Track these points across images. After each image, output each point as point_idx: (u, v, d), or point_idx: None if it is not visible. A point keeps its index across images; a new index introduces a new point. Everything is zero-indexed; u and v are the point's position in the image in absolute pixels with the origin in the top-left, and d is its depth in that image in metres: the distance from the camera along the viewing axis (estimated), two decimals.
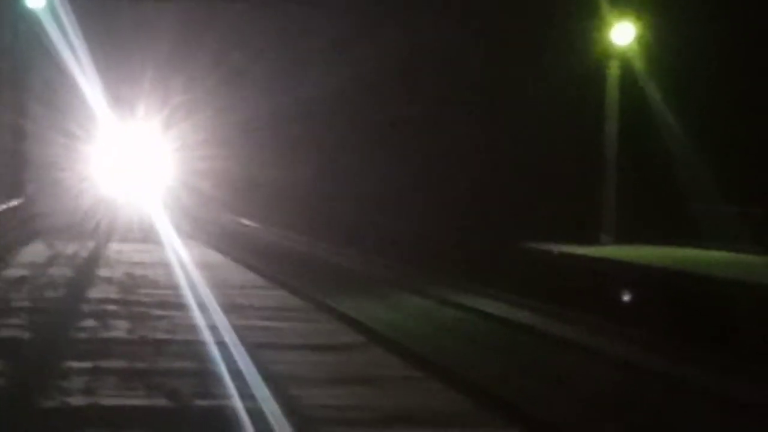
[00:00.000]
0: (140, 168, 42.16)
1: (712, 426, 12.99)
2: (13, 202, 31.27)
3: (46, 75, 37.20)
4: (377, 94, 38.71)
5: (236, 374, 13.32)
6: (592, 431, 12.40)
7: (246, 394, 12.17)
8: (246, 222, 42.72)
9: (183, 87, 40.75)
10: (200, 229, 36.81)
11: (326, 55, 39.65)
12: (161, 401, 11.87)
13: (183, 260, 27.84)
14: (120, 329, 16.78)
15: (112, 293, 21.30)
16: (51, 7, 34.86)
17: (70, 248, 31.15)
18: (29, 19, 35.22)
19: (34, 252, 29.31)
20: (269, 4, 39.72)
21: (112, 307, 19.17)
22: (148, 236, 36.01)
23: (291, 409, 11.52)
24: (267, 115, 41.94)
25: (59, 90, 37.62)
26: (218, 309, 19.08)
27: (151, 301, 20.36)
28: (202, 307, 19.40)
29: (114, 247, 32.63)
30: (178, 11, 39.17)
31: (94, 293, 21.14)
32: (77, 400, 11.68)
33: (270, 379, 13.05)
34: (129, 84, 40.69)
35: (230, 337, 15.96)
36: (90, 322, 17.34)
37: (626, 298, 22.89)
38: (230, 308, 19.38)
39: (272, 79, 41.13)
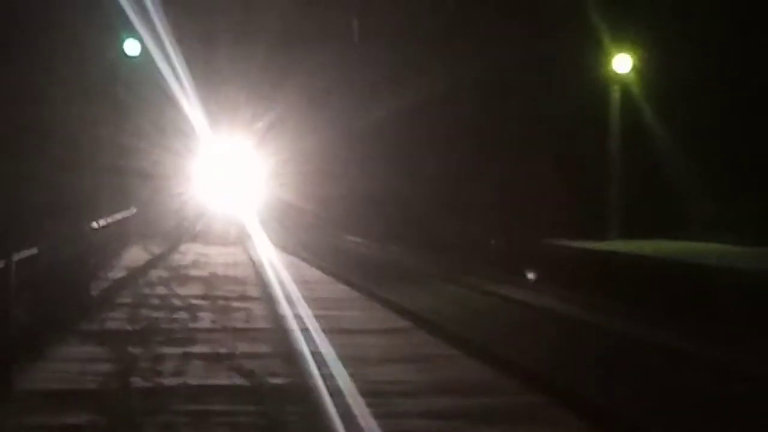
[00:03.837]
0: (236, 182, 41.92)
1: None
2: (123, 213, 31.08)
3: (155, 100, 37.23)
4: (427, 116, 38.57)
5: (302, 356, 13.04)
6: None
7: (313, 373, 11.87)
8: (326, 229, 41.82)
9: (273, 110, 40.61)
10: (284, 237, 36.22)
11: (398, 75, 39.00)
12: (240, 380, 11.58)
13: (262, 262, 27.63)
14: (205, 320, 16.52)
15: (200, 290, 21.05)
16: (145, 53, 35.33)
17: (167, 252, 31.03)
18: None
19: (136, 257, 29.12)
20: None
21: (199, 302, 18.91)
22: (235, 241, 35.90)
23: (350, 383, 11.21)
24: (345, 134, 41.37)
25: (166, 112, 37.66)
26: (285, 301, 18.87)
27: (232, 295, 20.10)
28: (274, 300, 19.24)
29: (203, 251, 32.43)
30: (268, 49, 39.45)
31: (185, 291, 20.89)
32: (169, 381, 11.41)
33: (332, 358, 12.72)
34: (226, 107, 40.66)
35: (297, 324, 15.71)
36: (181, 314, 17.11)
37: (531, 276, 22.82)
38: (297, 300, 19.07)
39: (353, 99, 40.75)
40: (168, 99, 37.00)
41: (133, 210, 32.79)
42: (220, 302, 18.95)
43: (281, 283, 21.76)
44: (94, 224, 21.05)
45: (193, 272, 25.06)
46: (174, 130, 38.32)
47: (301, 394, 10.79)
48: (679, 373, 13.96)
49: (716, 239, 27.77)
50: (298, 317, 16.55)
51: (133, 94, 36.83)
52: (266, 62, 39.73)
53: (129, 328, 15.48)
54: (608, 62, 32.00)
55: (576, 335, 17.44)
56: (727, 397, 12.25)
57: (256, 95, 40.49)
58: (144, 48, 35.82)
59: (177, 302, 18.83)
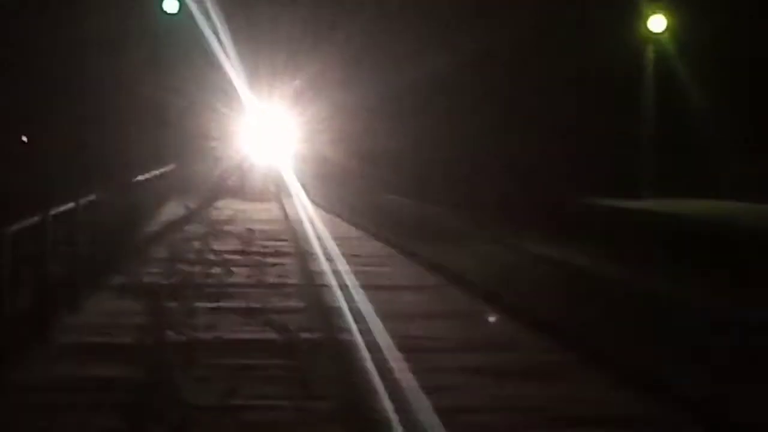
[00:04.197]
0: (276, 139, 41.66)
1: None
2: (166, 168, 31.01)
3: (195, 58, 37.11)
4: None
5: (338, 311, 12.91)
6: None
7: (346, 328, 11.75)
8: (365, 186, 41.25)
9: (312, 66, 40.38)
10: (322, 193, 35.91)
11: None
12: (272, 335, 11.45)
13: (298, 218, 27.46)
14: (241, 275, 16.38)
15: (235, 245, 20.90)
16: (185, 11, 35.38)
17: (204, 208, 30.91)
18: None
19: (173, 211, 29.01)
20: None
21: (234, 257, 18.77)
22: (274, 197, 35.74)
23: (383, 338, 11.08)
24: (383, 93, 40.87)
25: (206, 70, 37.52)
26: (322, 257, 18.72)
27: (267, 251, 19.94)
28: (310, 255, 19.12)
29: (239, 206, 32.27)
30: (308, 6, 39.33)
31: (220, 245, 20.75)
32: (203, 335, 11.30)
33: (363, 314, 12.59)
34: (266, 64, 40.42)
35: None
36: (216, 269, 16.99)
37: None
38: (334, 256, 18.90)
39: (391, 59, 40.36)
40: (208, 56, 36.84)
41: (172, 166, 32.69)
42: (256, 258, 18.80)
43: (319, 239, 21.59)
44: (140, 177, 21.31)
45: (228, 227, 24.90)
46: (214, 87, 38.14)
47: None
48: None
49: (747, 199, 27.49)
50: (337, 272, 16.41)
51: (172, 52, 36.71)
52: (306, 19, 39.48)
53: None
54: (643, 22, 31.61)
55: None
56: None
57: (295, 52, 40.22)
58: (184, 6, 35.66)
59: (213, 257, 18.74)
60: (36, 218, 11.00)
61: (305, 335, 11.39)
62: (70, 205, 12.80)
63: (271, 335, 11.40)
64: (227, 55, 36.93)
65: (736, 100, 29.99)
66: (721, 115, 30.50)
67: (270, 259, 18.50)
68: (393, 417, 8.14)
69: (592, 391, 9.20)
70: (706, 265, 19.18)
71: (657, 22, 31.81)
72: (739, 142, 29.84)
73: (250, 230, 24.16)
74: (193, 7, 35.50)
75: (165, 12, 35.80)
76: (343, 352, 10.57)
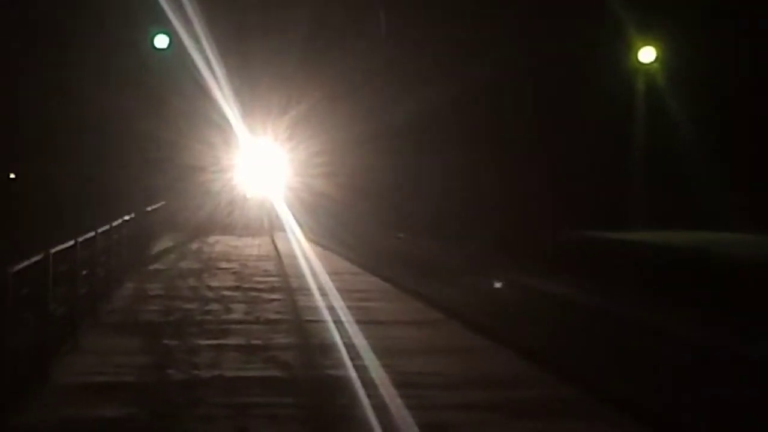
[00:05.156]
0: (269, 173, 41.67)
1: None
2: (156, 204, 30.94)
3: (189, 93, 37.06)
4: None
5: (335, 347, 12.88)
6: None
7: (344, 365, 11.72)
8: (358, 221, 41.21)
9: (306, 102, 40.43)
10: (315, 228, 35.80)
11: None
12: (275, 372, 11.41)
13: (292, 253, 27.43)
14: (238, 312, 16.32)
15: (231, 281, 20.86)
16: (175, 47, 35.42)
17: (198, 243, 30.86)
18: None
19: (168, 247, 28.95)
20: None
21: (230, 293, 18.72)
22: (267, 232, 35.71)
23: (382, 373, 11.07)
24: (375, 128, 40.90)
25: (200, 105, 37.47)
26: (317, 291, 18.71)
27: (262, 287, 19.91)
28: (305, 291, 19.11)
29: (232, 242, 32.25)
30: (301, 42, 39.34)
31: (215, 282, 20.71)
32: (205, 373, 11.24)
33: (364, 349, 12.57)
34: (260, 99, 40.45)
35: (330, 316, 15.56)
36: (213, 306, 16.93)
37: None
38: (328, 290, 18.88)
39: (380, 97, 40.45)
40: (202, 91, 36.86)
41: (162, 203, 32.65)
42: (252, 294, 18.76)
43: (314, 275, 21.57)
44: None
45: (223, 264, 24.85)
46: (208, 122, 38.13)
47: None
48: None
49: (738, 230, 27.55)
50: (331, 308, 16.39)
51: (166, 87, 36.71)
52: (299, 55, 39.56)
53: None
54: (633, 54, 31.78)
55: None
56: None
57: (289, 87, 40.27)
58: (179, 41, 35.66)
59: (210, 294, 18.70)
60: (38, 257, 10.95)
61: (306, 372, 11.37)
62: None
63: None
64: (221, 90, 36.99)
65: (725, 131, 30.13)
66: (710, 146, 30.62)
67: (266, 295, 18.48)
68: None
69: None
70: (694, 296, 19.28)
71: (647, 54, 32.02)
72: (728, 173, 29.95)
73: (245, 265, 24.13)
74: (187, 43, 35.54)
75: (156, 47, 35.85)
76: (343, 388, 10.54)
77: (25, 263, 10.20)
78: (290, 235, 32.71)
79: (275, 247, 30.43)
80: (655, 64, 31.75)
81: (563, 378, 11.19)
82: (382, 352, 12.36)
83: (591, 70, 32.14)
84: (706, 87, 30.19)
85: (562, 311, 18.59)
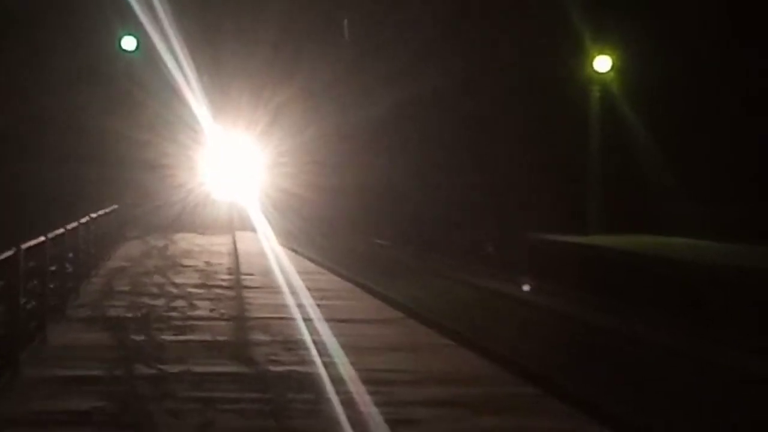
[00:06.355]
0: (239, 173, 41.50)
1: None
2: (126, 201, 30.90)
3: (159, 93, 36.96)
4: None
5: (300, 344, 13.06)
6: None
7: (309, 361, 11.91)
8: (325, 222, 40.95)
9: (274, 103, 40.42)
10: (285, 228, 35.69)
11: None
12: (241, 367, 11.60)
13: (261, 251, 27.48)
14: (203, 308, 16.47)
15: (196, 278, 20.98)
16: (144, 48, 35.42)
17: (164, 242, 30.81)
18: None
19: (134, 246, 28.98)
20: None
21: (196, 290, 18.86)
22: (236, 230, 35.65)
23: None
24: (343, 128, 40.92)
25: (171, 105, 37.35)
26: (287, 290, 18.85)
27: (226, 284, 20.08)
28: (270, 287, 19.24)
29: (199, 241, 32.25)
30: (273, 43, 39.42)
31: (181, 279, 20.83)
32: (172, 368, 11.41)
33: (327, 345, 12.79)
34: (230, 99, 40.38)
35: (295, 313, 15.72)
36: (179, 302, 17.08)
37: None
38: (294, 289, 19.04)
39: (350, 96, 40.52)
40: (173, 92, 36.74)
41: (127, 203, 32.59)
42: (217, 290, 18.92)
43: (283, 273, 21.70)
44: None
45: (187, 261, 24.93)
46: (179, 122, 38.03)
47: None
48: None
49: (691, 236, 27.94)
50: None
51: (137, 88, 36.63)
52: (270, 55, 39.61)
53: None
54: (589, 63, 32.03)
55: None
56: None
57: (259, 86, 40.25)
58: (149, 42, 35.54)
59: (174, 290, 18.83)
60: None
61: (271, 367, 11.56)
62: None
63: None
64: (191, 89, 36.87)
65: (682, 138, 30.46)
66: (667, 152, 30.95)
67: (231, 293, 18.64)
68: None
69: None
70: (624, 293, 19.85)
71: (602, 63, 32.25)
72: (684, 179, 30.27)
73: (209, 263, 24.26)
74: (157, 43, 35.41)
75: (123, 49, 35.83)
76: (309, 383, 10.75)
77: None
78: (259, 234, 32.69)
79: (245, 245, 30.46)
80: (610, 73, 32.04)
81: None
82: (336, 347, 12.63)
83: (547, 79, 32.48)
84: (660, 94, 30.57)
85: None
